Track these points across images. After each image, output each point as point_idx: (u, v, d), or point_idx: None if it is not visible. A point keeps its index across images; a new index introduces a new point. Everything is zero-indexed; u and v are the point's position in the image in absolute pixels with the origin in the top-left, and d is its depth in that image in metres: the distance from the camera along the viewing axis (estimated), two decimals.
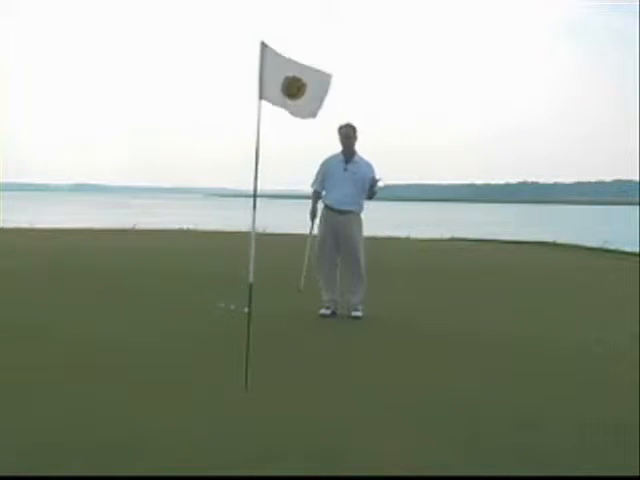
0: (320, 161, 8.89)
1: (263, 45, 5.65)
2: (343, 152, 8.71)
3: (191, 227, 26.84)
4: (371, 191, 8.65)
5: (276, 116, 5.93)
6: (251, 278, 5.72)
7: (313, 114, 5.89)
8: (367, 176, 8.63)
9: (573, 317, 9.21)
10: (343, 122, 8.71)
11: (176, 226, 27.43)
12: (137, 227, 26.19)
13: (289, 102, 5.75)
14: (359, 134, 8.71)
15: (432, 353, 7.02)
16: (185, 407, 5.10)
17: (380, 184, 8.62)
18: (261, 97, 5.66)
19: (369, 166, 8.73)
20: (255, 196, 5.75)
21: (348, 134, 8.66)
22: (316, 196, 8.86)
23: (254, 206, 5.77)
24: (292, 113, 5.80)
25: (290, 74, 5.72)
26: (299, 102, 5.78)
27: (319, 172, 8.84)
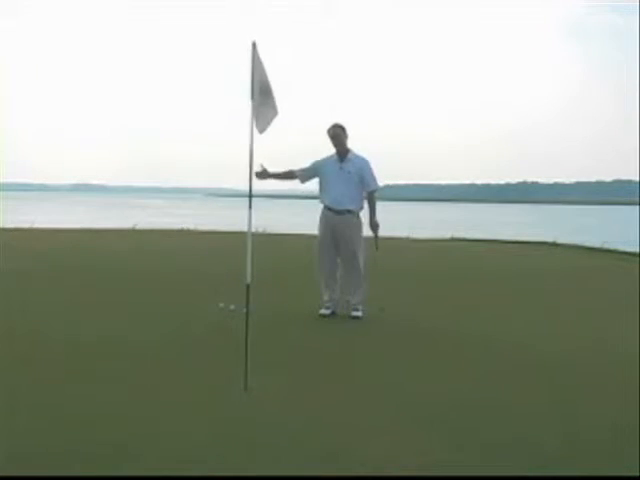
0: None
1: (254, 46, 5.67)
2: (337, 152, 8.73)
3: (191, 227, 26.84)
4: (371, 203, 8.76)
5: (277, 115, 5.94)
6: (248, 279, 5.71)
7: (261, 129, 5.87)
8: (362, 171, 8.65)
9: (573, 317, 9.21)
10: (331, 124, 8.72)
11: (176, 226, 27.43)
12: (137, 227, 26.20)
13: (258, 105, 5.77)
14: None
15: (432, 353, 7.01)
16: (185, 407, 5.10)
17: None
18: (253, 97, 5.70)
19: (364, 161, 8.76)
20: (250, 196, 5.75)
21: (337, 134, 8.67)
22: (291, 174, 8.86)
23: (250, 206, 5.77)
24: (256, 116, 5.78)
25: (265, 84, 5.76)
26: (262, 110, 5.81)
27: (310, 166, 8.86)
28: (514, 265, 15.47)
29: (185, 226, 27.20)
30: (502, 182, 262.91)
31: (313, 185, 8.98)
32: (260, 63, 5.69)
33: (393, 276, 12.19)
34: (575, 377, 6.17)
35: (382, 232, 8.93)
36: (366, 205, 8.85)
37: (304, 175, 8.89)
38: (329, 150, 8.79)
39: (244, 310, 5.75)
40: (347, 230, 8.70)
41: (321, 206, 8.88)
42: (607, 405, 5.38)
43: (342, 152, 8.72)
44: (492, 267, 14.90)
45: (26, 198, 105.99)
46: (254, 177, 8.13)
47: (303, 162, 9.01)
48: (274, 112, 5.86)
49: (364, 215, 8.82)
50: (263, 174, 8.30)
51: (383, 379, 5.99)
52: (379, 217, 8.83)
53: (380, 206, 8.86)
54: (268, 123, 5.85)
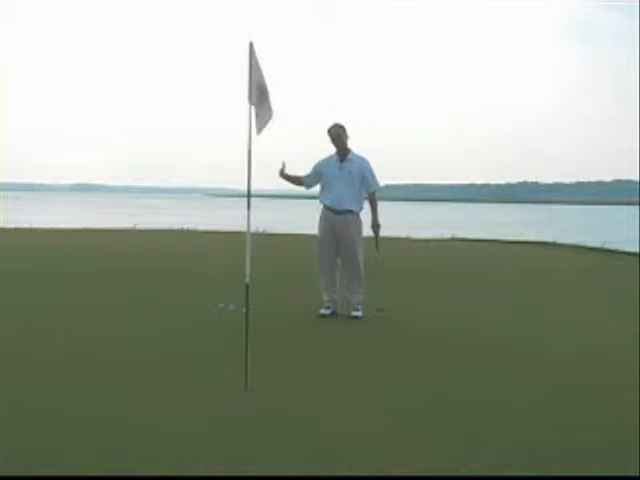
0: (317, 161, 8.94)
1: (251, 46, 5.68)
2: (337, 152, 8.73)
3: (191, 227, 26.85)
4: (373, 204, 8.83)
5: (277, 115, 5.96)
6: (247, 279, 5.72)
7: (259, 130, 5.86)
8: (363, 171, 8.67)
9: (573, 317, 9.21)
10: (331, 124, 8.73)
11: (176, 226, 27.43)
12: (137, 227, 26.21)
13: (257, 105, 5.78)
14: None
15: (432, 353, 7.01)
16: (185, 407, 5.10)
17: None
18: (250, 98, 5.72)
19: (364, 161, 8.78)
20: (249, 197, 5.75)
21: (337, 134, 8.68)
22: (300, 180, 8.95)
23: (248, 206, 5.77)
24: (257, 117, 5.79)
25: (262, 84, 5.77)
26: (260, 111, 5.82)
27: (312, 171, 8.90)
28: (514, 265, 15.46)
29: (185, 226, 27.21)
30: (502, 182, 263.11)
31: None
32: (257, 63, 5.70)
33: (393, 276, 12.19)
34: (575, 377, 6.17)
35: (382, 232, 8.94)
36: (367, 205, 8.86)
37: (308, 182, 8.94)
38: (328, 150, 8.80)
39: (244, 310, 5.75)
40: (347, 230, 8.69)
41: (321, 206, 8.89)
42: (607, 405, 5.38)
43: (342, 152, 8.72)
44: (492, 267, 14.90)
45: (26, 198, 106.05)
46: (277, 174, 8.55)
47: (302, 162, 9.04)
48: (270, 113, 5.87)
49: (365, 215, 8.83)
50: (282, 173, 8.65)
51: (383, 379, 5.98)
52: (380, 217, 8.84)
53: (380, 206, 8.87)
54: (265, 124, 5.86)
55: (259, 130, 5.85)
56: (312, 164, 8.97)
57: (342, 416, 4.98)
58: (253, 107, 5.76)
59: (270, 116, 5.88)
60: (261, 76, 5.76)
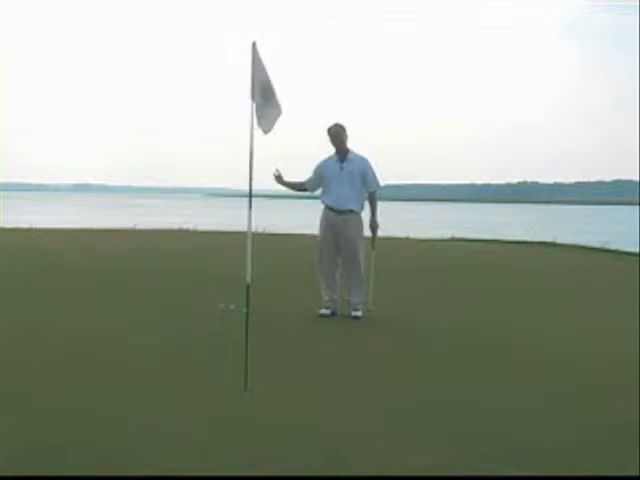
0: (317, 162, 8.93)
1: (254, 45, 5.68)
2: (337, 152, 8.73)
3: (191, 227, 26.84)
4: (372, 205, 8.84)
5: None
6: (248, 279, 5.72)
7: (267, 129, 5.85)
8: (364, 171, 8.67)
9: (573, 317, 9.21)
10: (331, 123, 8.73)
11: (176, 226, 27.43)
12: (137, 227, 26.20)
13: (261, 105, 5.77)
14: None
15: (432, 353, 7.02)
16: (185, 407, 5.10)
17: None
18: (252, 98, 5.71)
19: (364, 160, 8.78)
20: (250, 196, 5.75)
21: (338, 133, 8.68)
22: (302, 186, 8.94)
23: (249, 206, 5.78)
24: (259, 117, 5.78)
25: (267, 83, 5.76)
26: (266, 110, 5.81)
27: (313, 174, 8.88)
28: (514, 265, 15.47)
29: (185, 226, 27.21)
30: (502, 182, 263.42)
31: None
32: (261, 63, 5.70)
33: (393, 276, 12.18)
34: (575, 377, 6.17)
35: (382, 232, 8.96)
36: (367, 205, 8.86)
37: (311, 185, 8.94)
38: (328, 150, 8.79)
39: (244, 310, 5.75)
40: (348, 230, 8.69)
41: (322, 206, 8.89)
42: (607, 405, 5.38)
43: (342, 152, 8.73)
44: (492, 267, 14.89)
45: (26, 198, 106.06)
46: (273, 179, 8.43)
47: (302, 162, 9.04)
48: (278, 111, 5.85)
49: (364, 215, 8.83)
50: (279, 179, 8.56)
51: (383, 379, 5.98)
52: (379, 217, 8.85)
53: (380, 206, 8.88)
54: (273, 122, 5.85)
55: (268, 130, 5.83)
56: (312, 165, 8.96)
57: (342, 416, 4.98)
58: (257, 107, 5.75)
59: (279, 113, 5.87)
60: (266, 75, 5.74)
